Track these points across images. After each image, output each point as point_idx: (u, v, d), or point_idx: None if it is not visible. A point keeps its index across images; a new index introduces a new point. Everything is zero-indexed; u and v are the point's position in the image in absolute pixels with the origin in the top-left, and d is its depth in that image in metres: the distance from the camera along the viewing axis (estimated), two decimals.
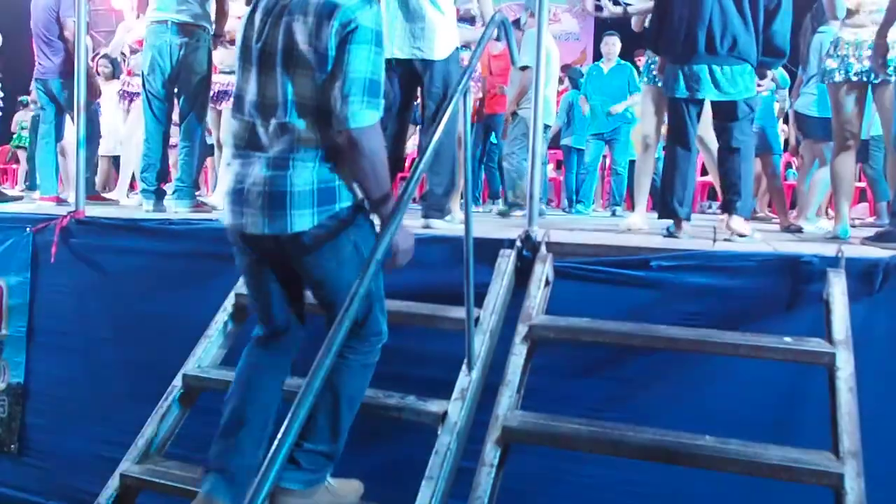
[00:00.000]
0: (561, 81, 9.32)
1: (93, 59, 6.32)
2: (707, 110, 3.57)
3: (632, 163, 7.19)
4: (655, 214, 3.78)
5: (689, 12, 3.38)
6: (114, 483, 2.36)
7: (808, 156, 5.02)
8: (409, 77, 3.72)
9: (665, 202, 3.54)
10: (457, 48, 3.76)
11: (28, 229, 3.60)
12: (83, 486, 3.32)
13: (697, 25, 3.34)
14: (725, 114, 3.42)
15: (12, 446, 3.67)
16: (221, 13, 4.63)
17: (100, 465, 3.16)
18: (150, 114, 4.49)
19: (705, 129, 3.90)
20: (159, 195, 4.51)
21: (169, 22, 4.32)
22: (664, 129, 3.96)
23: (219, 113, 5.55)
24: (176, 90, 4.48)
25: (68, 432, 3.53)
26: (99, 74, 6.34)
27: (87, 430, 3.45)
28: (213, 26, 4.57)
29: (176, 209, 4.38)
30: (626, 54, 7.48)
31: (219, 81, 5.42)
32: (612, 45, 7.06)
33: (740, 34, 3.31)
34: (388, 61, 3.68)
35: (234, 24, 5.02)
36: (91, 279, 3.51)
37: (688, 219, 3.53)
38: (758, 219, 5.48)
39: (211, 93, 5.37)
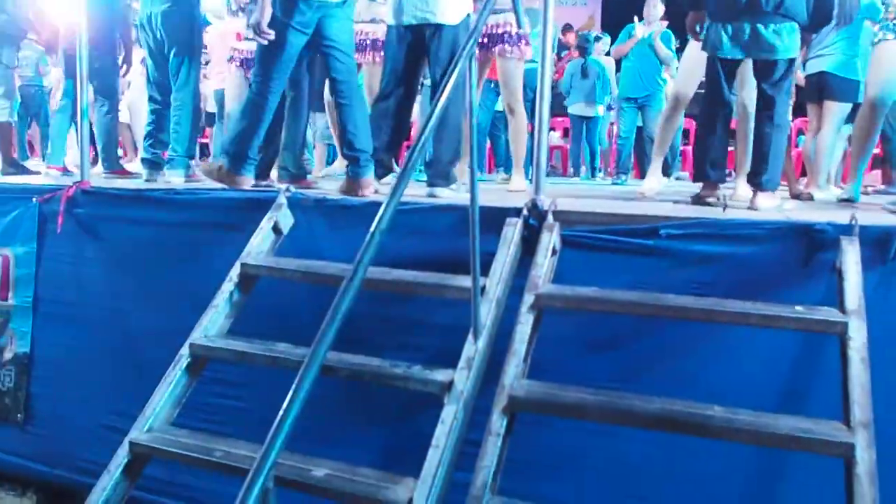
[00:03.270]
0: (566, 48, 9.23)
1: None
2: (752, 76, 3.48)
3: (639, 128, 7.14)
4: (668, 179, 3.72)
5: None
6: (123, 451, 2.36)
7: (816, 120, 4.93)
8: (417, 43, 3.66)
9: (699, 165, 3.47)
10: (468, 14, 3.69)
11: (34, 199, 3.58)
12: (88, 456, 3.36)
13: None
14: (766, 74, 3.33)
15: (18, 416, 3.69)
16: None
17: (105, 435, 3.20)
18: (147, 82, 4.50)
19: (750, 97, 3.80)
20: (156, 164, 4.49)
21: None
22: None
23: (240, 80, 5.42)
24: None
25: (74, 402, 3.55)
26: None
27: (92, 400, 3.47)
28: None
29: (168, 179, 4.35)
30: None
31: (244, 48, 5.29)
32: (653, 6, 6.78)
33: None
34: (397, 28, 3.62)
35: None
36: (97, 249, 3.50)
37: (722, 181, 3.47)
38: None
39: (234, 59, 5.24)
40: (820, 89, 4.67)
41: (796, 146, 7.30)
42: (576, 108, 7.79)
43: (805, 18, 3.27)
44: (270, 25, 3.36)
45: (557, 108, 8.39)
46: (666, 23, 6.76)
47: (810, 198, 4.43)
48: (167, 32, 4.30)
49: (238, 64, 5.26)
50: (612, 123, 7.83)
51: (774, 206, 3.30)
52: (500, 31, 4.42)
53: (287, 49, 3.43)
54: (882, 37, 3.65)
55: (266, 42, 3.40)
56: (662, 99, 6.71)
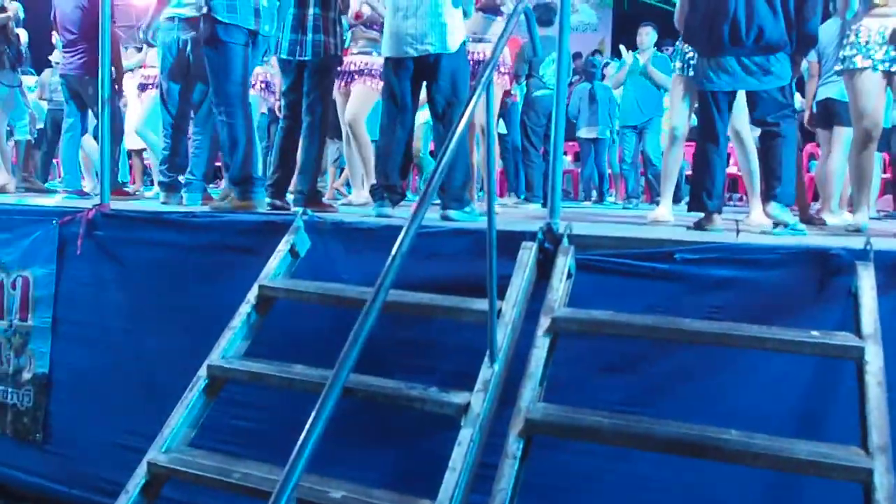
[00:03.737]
0: (575, 72, 9.31)
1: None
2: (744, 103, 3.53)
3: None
4: (680, 206, 3.76)
5: (714, 4, 3.33)
6: (141, 471, 2.38)
7: (827, 146, 4.95)
8: (417, 73, 3.73)
9: (695, 195, 3.51)
10: (463, 42, 3.76)
11: (54, 222, 3.63)
12: (105, 476, 3.37)
13: (721, 19, 3.29)
14: (759, 104, 3.38)
15: (37, 435, 3.71)
16: None
17: (122, 455, 3.21)
18: (164, 108, 4.56)
19: (742, 122, 3.86)
20: (174, 187, 4.55)
21: (176, 18, 4.38)
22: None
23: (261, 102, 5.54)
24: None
25: (92, 422, 3.57)
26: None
27: (110, 420, 3.49)
28: None
29: (185, 203, 4.41)
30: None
31: (263, 72, 5.43)
32: (646, 34, 6.99)
33: (767, 23, 3.25)
34: (400, 60, 3.68)
35: None
36: (115, 271, 3.54)
37: (719, 211, 3.50)
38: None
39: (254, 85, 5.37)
40: (828, 115, 4.72)
41: (808, 171, 7.32)
42: (584, 131, 7.86)
43: (789, 45, 3.31)
44: None
45: (567, 133, 8.45)
46: (669, 49, 6.87)
47: (823, 223, 4.44)
48: (195, 59, 4.38)
49: (260, 89, 5.39)
50: (620, 147, 7.89)
51: (788, 218, 3.31)
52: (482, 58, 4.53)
53: None
54: (861, 64, 3.59)
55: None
56: (661, 123, 6.82)
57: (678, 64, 4.12)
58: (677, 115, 4.10)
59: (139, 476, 2.37)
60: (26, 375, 3.74)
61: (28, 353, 3.73)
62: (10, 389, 3.78)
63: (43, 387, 3.71)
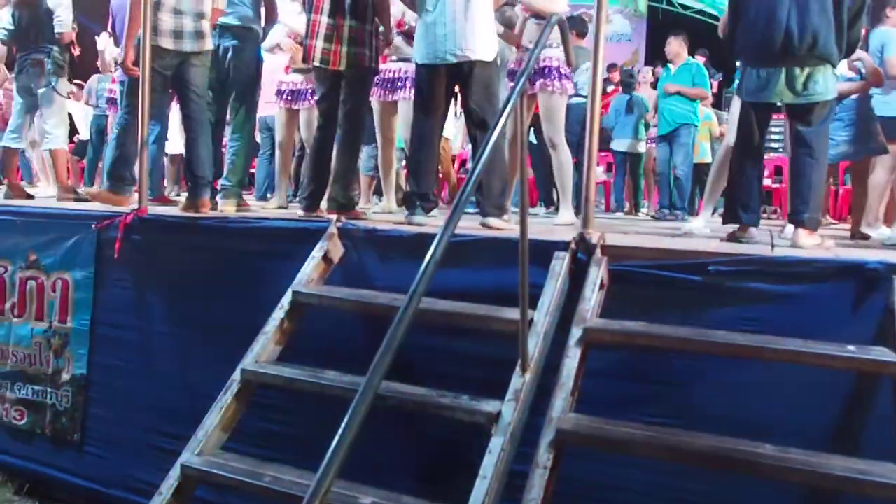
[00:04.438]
0: (610, 82, 9.29)
1: None
2: None
3: (695, 166, 7.18)
4: (718, 219, 3.72)
5: (765, 12, 3.26)
6: (175, 474, 2.42)
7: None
8: (451, 81, 3.75)
9: (730, 207, 3.48)
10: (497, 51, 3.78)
11: (93, 226, 3.71)
12: (141, 476, 3.43)
13: (773, 27, 3.22)
14: (802, 118, 3.31)
15: (75, 435, 3.79)
16: (270, 14, 4.75)
17: (158, 456, 3.27)
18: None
19: None
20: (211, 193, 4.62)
21: (217, 26, 4.44)
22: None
23: (288, 112, 5.64)
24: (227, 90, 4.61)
25: (128, 423, 3.63)
26: None
27: (146, 421, 3.55)
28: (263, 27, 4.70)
29: (221, 208, 4.48)
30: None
31: (290, 80, 5.53)
32: (670, 44, 7.03)
33: (821, 32, 3.16)
34: (436, 67, 3.71)
35: (295, 22, 5.14)
36: (152, 275, 3.61)
37: (755, 224, 3.46)
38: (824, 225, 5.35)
39: (283, 93, 5.49)
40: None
41: (843, 184, 7.22)
42: (621, 143, 7.82)
43: (836, 60, 3.25)
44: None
45: (602, 144, 8.42)
46: (703, 59, 6.84)
47: (865, 237, 4.38)
48: (234, 68, 4.46)
49: (284, 98, 5.46)
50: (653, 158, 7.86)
51: (816, 244, 3.26)
52: (541, 65, 4.50)
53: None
54: None
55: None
56: (689, 133, 6.87)
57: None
58: (734, 132, 4.03)
59: (172, 478, 2.41)
60: (65, 377, 3.81)
61: (67, 355, 3.81)
62: (49, 389, 3.86)
63: (81, 388, 3.78)
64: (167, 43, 4.11)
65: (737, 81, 4.19)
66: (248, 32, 4.56)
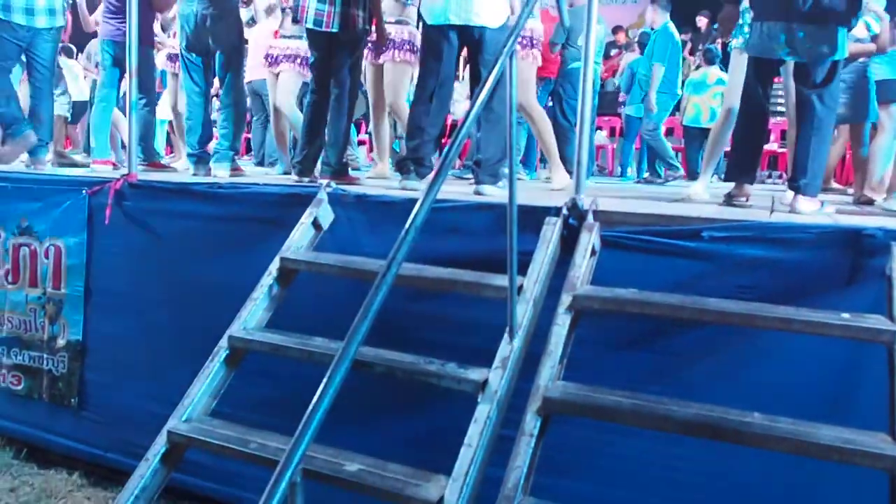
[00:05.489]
0: (615, 45, 9.15)
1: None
2: None
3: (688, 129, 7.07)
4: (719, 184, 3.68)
5: None
6: (161, 440, 2.42)
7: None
8: (460, 44, 3.66)
9: (732, 164, 3.43)
10: (506, 19, 3.69)
11: (84, 191, 3.68)
12: (138, 441, 3.39)
13: None
14: (804, 77, 3.22)
15: (73, 400, 3.80)
16: None
17: (153, 420, 3.23)
18: (188, 79, 4.61)
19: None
20: (202, 159, 4.59)
21: None
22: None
23: (276, 76, 5.59)
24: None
25: (124, 388, 3.64)
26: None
27: (141, 386, 3.55)
28: None
29: (215, 172, 4.45)
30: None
31: (278, 46, 5.48)
32: (647, 13, 7.04)
33: None
34: (442, 27, 3.62)
35: None
36: (143, 241, 3.58)
37: (751, 182, 3.40)
38: (829, 190, 5.28)
39: (270, 57, 5.46)
40: (878, 93, 4.57)
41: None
42: (635, 108, 7.68)
43: (845, 19, 3.13)
44: None
45: (606, 108, 8.31)
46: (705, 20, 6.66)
47: (870, 202, 4.31)
48: (215, 35, 4.40)
49: (274, 62, 5.42)
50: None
51: (815, 210, 3.20)
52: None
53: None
54: None
55: None
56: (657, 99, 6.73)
57: (739, 39, 3.98)
58: (737, 93, 3.96)
59: (159, 445, 2.41)
60: (60, 342, 3.81)
61: (62, 321, 3.80)
62: (45, 355, 3.86)
63: (77, 353, 3.78)
64: (19, 19, 4.41)
65: (735, 38, 4.11)
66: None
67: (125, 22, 4.94)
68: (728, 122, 3.97)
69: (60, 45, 5.49)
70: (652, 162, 7.17)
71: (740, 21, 4.08)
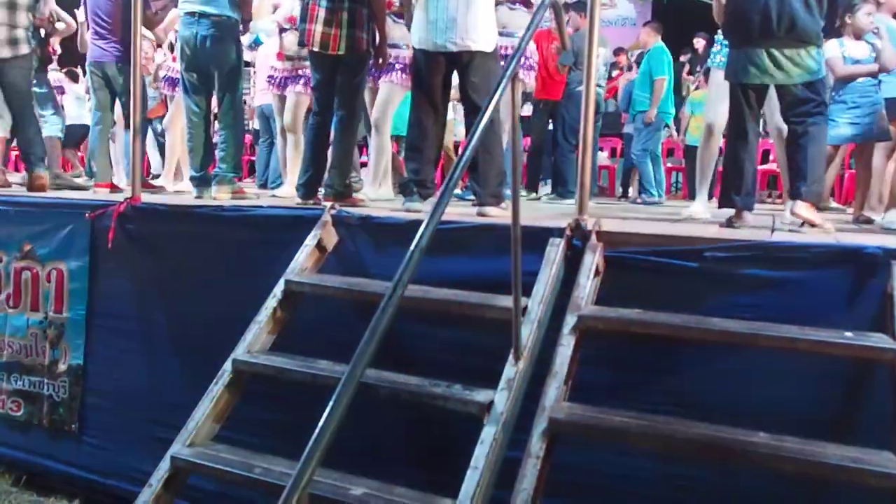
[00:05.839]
0: (616, 67, 9.21)
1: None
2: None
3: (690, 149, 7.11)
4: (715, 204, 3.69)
5: None
6: (164, 465, 2.41)
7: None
8: (450, 69, 3.70)
9: (725, 191, 3.44)
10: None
11: (86, 215, 3.68)
12: (139, 466, 3.39)
13: (752, 8, 3.21)
14: (789, 98, 3.29)
15: (73, 426, 3.77)
16: (245, 1, 4.71)
17: (155, 446, 3.23)
18: (189, 102, 4.61)
19: (780, 117, 3.77)
20: (203, 181, 4.59)
21: (197, 14, 4.42)
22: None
23: (283, 99, 5.62)
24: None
25: (125, 413, 3.62)
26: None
27: (143, 411, 3.53)
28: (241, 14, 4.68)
29: (215, 195, 4.45)
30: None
31: (284, 68, 5.50)
32: (640, 36, 7.13)
33: (799, 14, 3.16)
34: (430, 53, 3.65)
35: (288, 8, 5.12)
36: (146, 264, 3.58)
37: (749, 209, 3.42)
38: (827, 209, 5.30)
39: (276, 79, 5.48)
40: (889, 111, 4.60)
41: (849, 168, 7.15)
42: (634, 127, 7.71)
43: (819, 41, 3.21)
44: None
45: (606, 128, 8.35)
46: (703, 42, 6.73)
47: (868, 221, 4.33)
48: (214, 57, 4.43)
49: (277, 85, 5.45)
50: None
51: (814, 216, 3.22)
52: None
53: None
54: None
55: None
56: (643, 120, 6.87)
57: (719, 58, 4.03)
58: (714, 109, 4.01)
59: (162, 470, 2.40)
60: (62, 367, 3.80)
61: (63, 346, 3.79)
62: (45, 380, 3.84)
63: (78, 378, 3.76)
64: None
65: (712, 57, 4.19)
66: (226, 20, 4.52)
67: (111, 43, 5.06)
68: (712, 137, 4.02)
69: (65, 70, 5.56)
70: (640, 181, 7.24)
71: (716, 47, 4.18)
